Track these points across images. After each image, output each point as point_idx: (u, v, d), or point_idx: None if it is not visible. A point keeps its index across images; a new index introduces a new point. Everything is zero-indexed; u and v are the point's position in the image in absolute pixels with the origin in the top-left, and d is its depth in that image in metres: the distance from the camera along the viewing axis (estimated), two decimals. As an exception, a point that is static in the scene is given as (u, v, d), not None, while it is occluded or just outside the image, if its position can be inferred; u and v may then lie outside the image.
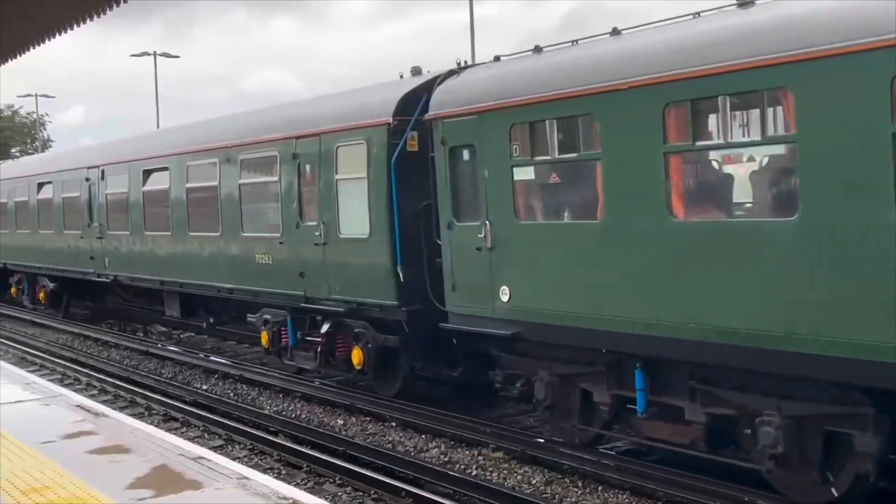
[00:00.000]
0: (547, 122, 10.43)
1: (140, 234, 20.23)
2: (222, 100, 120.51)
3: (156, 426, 12.51)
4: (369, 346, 14.13)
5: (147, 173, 19.87)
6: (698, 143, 8.98)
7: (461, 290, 11.88)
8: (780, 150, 8.60)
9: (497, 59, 12.12)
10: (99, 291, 26.38)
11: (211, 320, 20.04)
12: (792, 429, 8.50)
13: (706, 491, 9.39)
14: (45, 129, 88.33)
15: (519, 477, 10.76)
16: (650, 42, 9.43)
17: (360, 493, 10.54)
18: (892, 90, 7.15)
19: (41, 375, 17.52)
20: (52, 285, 26.93)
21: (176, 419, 14.71)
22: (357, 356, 14.25)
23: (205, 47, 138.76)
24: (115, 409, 13.52)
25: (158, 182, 19.38)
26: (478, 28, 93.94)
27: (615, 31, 10.34)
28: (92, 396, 15.53)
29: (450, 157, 11.90)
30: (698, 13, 9.56)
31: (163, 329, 24.52)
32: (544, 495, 10.10)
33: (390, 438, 12.73)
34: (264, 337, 16.62)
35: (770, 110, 8.26)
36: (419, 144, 13.03)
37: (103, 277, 22.60)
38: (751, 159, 8.80)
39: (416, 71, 14.10)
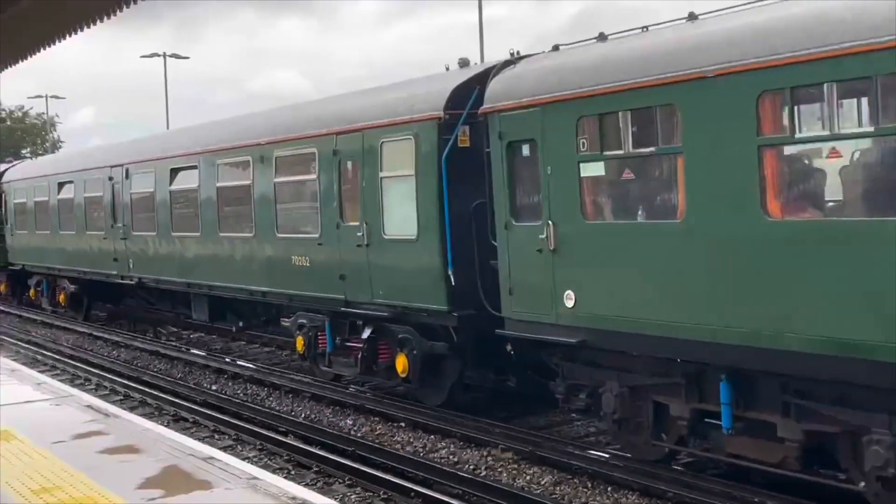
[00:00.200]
0: (620, 113, 9.66)
1: (167, 234, 19.54)
2: (229, 101, 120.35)
3: (166, 426, 12.49)
4: (415, 352, 13.39)
5: (174, 172, 19.18)
6: (799, 135, 8.21)
7: (520, 295, 11.14)
8: None
9: (556, 48, 11.38)
10: (120, 294, 25.78)
11: (240, 324, 19.33)
12: (905, 449, 7.74)
13: (715, 492, 9.34)
14: (55, 130, 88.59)
15: (528, 477, 10.70)
16: (741, 25, 8.66)
17: (370, 494, 10.48)
18: None
19: (52, 376, 17.41)
20: (72, 287, 26.29)
21: (186, 419, 14.62)
22: (401, 363, 13.52)
23: (214, 48, 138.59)
24: (125, 409, 13.48)
25: (187, 181, 18.69)
26: (487, 29, 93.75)
27: (692, 16, 9.59)
28: (102, 397, 15.49)
29: (508, 153, 11.15)
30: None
31: (173, 329, 24.01)
32: (553, 496, 10.05)
33: (399, 439, 12.66)
34: (299, 342, 15.92)
35: (885, 97, 7.47)
36: (471, 140, 12.31)
37: (127, 279, 21.93)
38: (860, 152, 8.01)
39: (464, 63, 13.38)
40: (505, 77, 11.44)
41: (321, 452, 11.87)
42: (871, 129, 7.71)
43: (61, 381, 16.40)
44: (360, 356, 14.36)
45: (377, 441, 12.51)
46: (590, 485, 10.34)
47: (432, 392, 13.59)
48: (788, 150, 8.38)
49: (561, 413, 12.51)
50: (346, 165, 14.07)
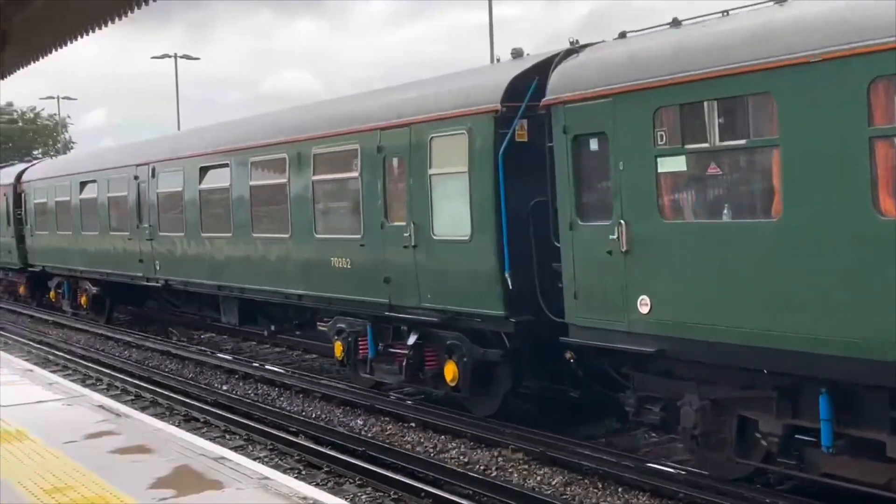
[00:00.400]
0: (705, 103, 8.90)
1: (196, 235, 18.84)
2: (240, 102, 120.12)
3: (177, 426, 12.49)
4: (465, 360, 12.66)
5: (204, 170, 18.47)
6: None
7: (586, 300, 10.38)
8: None
9: (622, 35, 10.63)
10: (142, 296, 25.13)
11: (272, 328, 18.61)
12: None
13: (727, 493, 9.28)
14: (66, 131, 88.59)
15: (539, 478, 10.67)
16: (848, 6, 7.89)
17: (380, 494, 10.47)
18: None
19: (64, 376, 17.38)
20: (94, 289, 25.64)
21: (197, 419, 14.56)
22: (451, 371, 12.79)
23: (226, 49, 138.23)
24: (136, 409, 13.47)
25: (217, 180, 17.98)
26: (499, 29, 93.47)
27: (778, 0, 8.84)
28: (114, 397, 15.46)
29: (573, 148, 10.41)
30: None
31: (202, 334, 23.42)
32: (564, 496, 10.03)
33: (410, 439, 12.63)
34: (338, 348, 15.21)
35: None
36: (528, 134, 11.56)
37: (153, 281, 21.25)
38: None
39: (518, 53, 12.62)
40: (569, 66, 10.69)
41: (332, 452, 11.84)
42: None
43: (73, 381, 16.33)
44: (404, 363, 13.64)
45: (388, 441, 12.48)
46: (600, 485, 10.29)
47: (483, 401, 12.85)
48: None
49: (625, 424, 11.82)
50: (392, 162, 13.33)
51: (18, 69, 11.10)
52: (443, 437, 12.58)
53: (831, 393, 8.25)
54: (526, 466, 11.06)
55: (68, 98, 76.99)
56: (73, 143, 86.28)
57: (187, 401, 15.59)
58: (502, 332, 12.06)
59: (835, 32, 7.79)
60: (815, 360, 8.13)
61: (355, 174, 14.05)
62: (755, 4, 9.11)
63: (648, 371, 10.15)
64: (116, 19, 8.10)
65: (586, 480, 10.48)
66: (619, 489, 10.09)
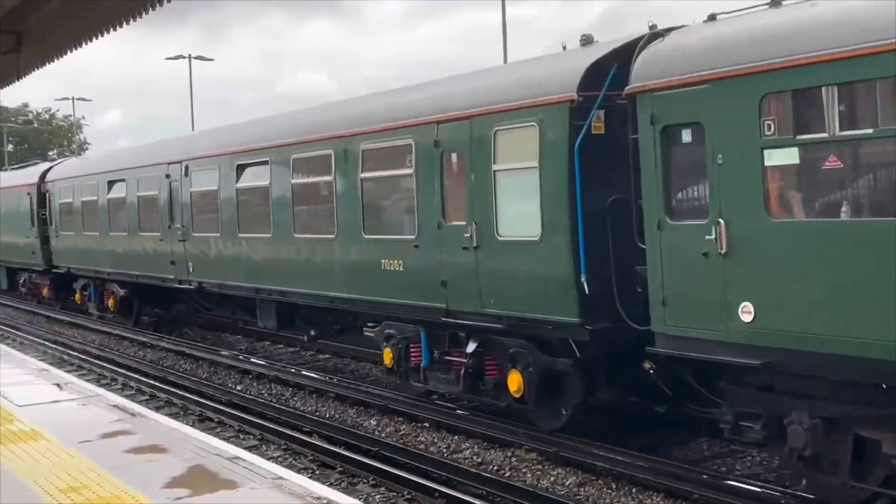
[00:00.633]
0: (823, 88, 7.99)
1: (232, 236, 18.02)
2: (256, 102, 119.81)
3: (191, 426, 12.52)
4: (531, 369, 11.79)
5: (241, 168, 17.65)
6: None
7: (677, 307, 9.48)
8: None
9: (712, 17, 9.74)
10: (171, 298, 24.36)
11: (312, 333, 17.77)
12: None
13: (740, 493, 9.25)
14: (81, 132, 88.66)
15: (552, 478, 10.65)
16: None
17: (394, 494, 10.46)
18: None
19: (78, 376, 17.36)
20: (122, 292, 24.87)
21: (211, 419, 14.55)
22: (515, 381, 11.91)
23: (241, 50, 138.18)
24: (151, 408, 13.48)
25: (256, 178, 17.15)
26: (515, 29, 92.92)
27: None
28: (128, 396, 15.46)
29: (662, 140, 9.51)
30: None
31: (236, 338, 22.65)
32: (578, 497, 10.00)
33: (423, 439, 12.61)
34: (387, 355, 14.36)
35: None
36: (605, 125, 10.68)
37: (185, 284, 20.44)
38: None
39: (587, 40, 11.71)
40: (657, 51, 9.79)
41: (345, 452, 11.83)
42: None
43: (88, 381, 16.36)
44: (463, 372, 12.79)
45: (401, 441, 12.48)
46: (614, 486, 10.26)
47: (550, 414, 11.95)
48: None
49: (714, 441, 11.21)
50: (450, 158, 12.48)
51: (34, 70, 10.92)
52: (456, 437, 12.53)
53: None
54: (539, 467, 11.01)
55: (83, 99, 77.07)
56: (88, 143, 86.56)
57: (201, 401, 15.58)
58: (571, 339, 11.21)
59: None
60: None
61: (409, 171, 13.20)
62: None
63: (746, 384, 9.26)
64: (131, 20, 7.99)
65: (600, 481, 10.42)
66: (633, 489, 10.04)
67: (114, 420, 11.12)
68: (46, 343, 23.63)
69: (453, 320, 12.70)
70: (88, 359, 20.73)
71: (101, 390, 14.06)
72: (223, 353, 20.52)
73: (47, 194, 28.69)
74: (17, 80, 11.25)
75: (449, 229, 12.50)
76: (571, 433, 11.65)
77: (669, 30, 10.19)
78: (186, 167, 19.69)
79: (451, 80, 13.32)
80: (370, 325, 15.27)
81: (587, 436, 11.47)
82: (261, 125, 18.01)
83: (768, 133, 8.47)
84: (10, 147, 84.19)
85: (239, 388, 16.95)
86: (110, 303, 25.53)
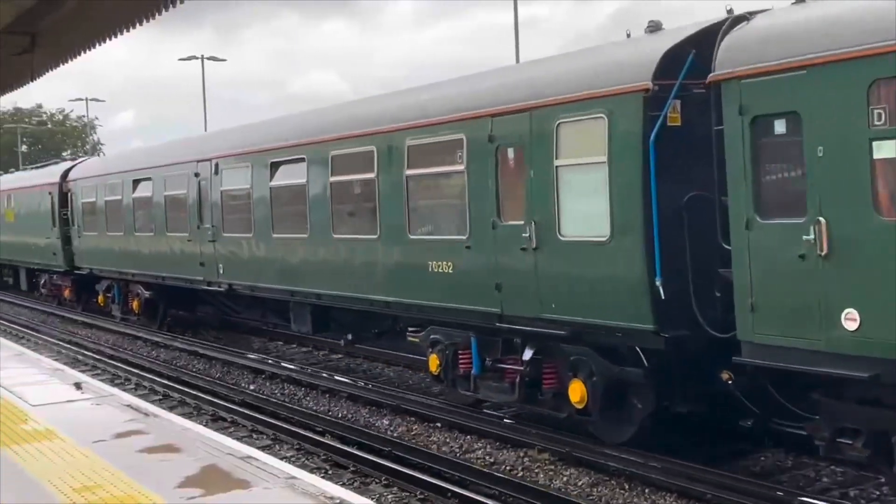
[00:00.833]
0: (949, 73, 7.23)
1: (265, 236, 17.31)
2: (269, 103, 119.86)
3: (205, 426, 12.50)
4: (595, 379, 11.03)
5: (275, 166, 16.93)
6: None
7: (768, 314, 8.71)
8: None
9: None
10: (197, 300, 23.69)
11: (349, 337, 17.04)
12: None
13: (755, 493, 9.20)
14: (94, 133, 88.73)
15: (565, 478, 10.60)
16: None
17: (406, 494, 10.43)
18: None
19: (92, 375, 17.35)
20: (147, 293, 24.20)
21: (224, 419, 14.53)
22: (578, 391, 11.15)
23: (254, 51, 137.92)
24: (164, 408, 13.49)
25: (291, 175, 16.43)
26: (527, 29, 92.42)
27: None
28: (142, 396, 15.43)
29: (752, 131, 8.75)
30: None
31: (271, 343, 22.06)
32: (590, 497, 9.98)
33: (435, 439, 12.59)
34: (433, 361, 13.63)
35: None
36: (681, 116, 9.92)
37: (214, 286, 19.75)
38: None
39: (655, 26, 10.92)
40: (744, 36, 9.01)
41: (358, 452, 11.83)
42: None
43: (101, 380, 16.32)
44: (518, 381, 12.04)
45: (413, 441, 12.47)
46: (627, 486, 10.20)
47: (616, 427, 11.19)
48: None
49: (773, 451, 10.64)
50: (506, 153, 11.73)
51: (48, 71, 10.79)
52: (468, 437, 12.50)
53: None
54: (552, 467, 10.98)
55: (96, 100, 77.18)
56: (102, 144, 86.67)
57: (215, 400, 15.59)
58: (643, 347, 10.45)
59: None
60: None
61: (460, 167, 12.46)
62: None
63: (845, 398, 8.49)
64: (145, 21, 7.91)
65: (613, 481, 10.37)
66: (646, 490, 9.99)
67: (127, 420, 11.11)
68: (61, 343, 23.52)
69: (508, 326, 11.96)
70: (102, 359, 20.71)
71: (115, 390, 14.08)
72: (250, 356, 19.95)
73: (69, 194, 28.07)
74: (32, 80, 11.16)
75: (504, 229, 11.76)
76: (636, 446, 10.92)
77: (757, 12, 9.41)
78: (216, 165, 18.99)
79: (506, 70, 12.58)
80: (412, 329, 14.56)
81: (649, 448, 10.72)
82: (297, 121, 17.29)
83: (878, 123, 7.71)
84: (23, 148, 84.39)
85: (252, 387, 16.94)
86: (134, 305, 24.88)
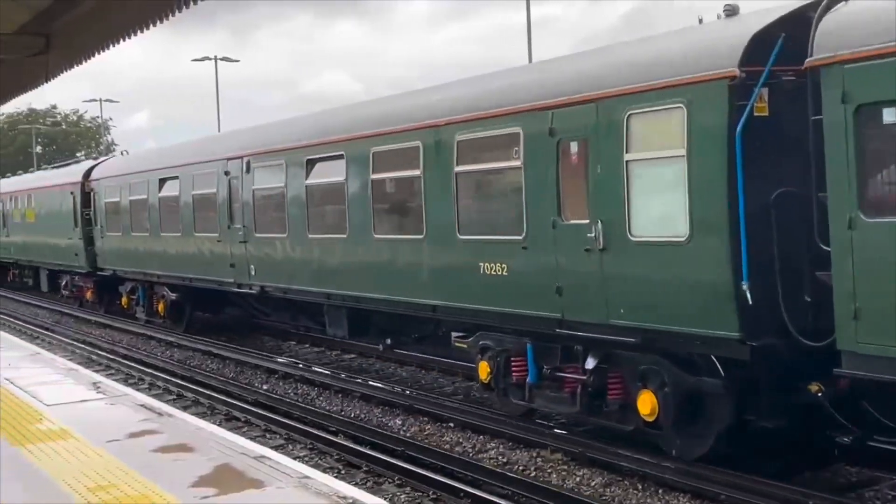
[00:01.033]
0: None
1: (300, 237, 16.59)
2: (282, 103, 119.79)
3: (218, 425, 12.47)
4: (667, 389, 10.26)
5: (311, 163, 16.21)
6: None
7: (875, 322, 7.93)
8: None
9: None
10: (223, 303, 23.00)
11: (388, 342, 16.31)
12: None
13: (768, 494, 9.17)
14: (108, 133, 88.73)
15: (578, 479, 10.58)
16: None
17: (419, 494, 10.43)
18: None
19: (107, 375, 17.32)
20: (173, 295, 23.52)
21: (238, 419, 14.56)
22: (648, 403, 10.39)
23: (268, 52, 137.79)
24: (178, 408, 13.46)
25: (329, 173, 15.71)
26: (540, 28, 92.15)
27: None
28: (156, 396, 15.44)
29: (856, 121, 7.96)
30: None
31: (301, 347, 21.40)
32: (603, 497, 9.97)
33: (448, 439, 12.58)
34: (483, 369, 12.89)
35: None
36: (768, 106, 9.12)
37: (245, 288, 19.04)
38: None
39: (732, 10, 10.10)
40: (847, 16, 8.22)
41: (371, 452, 11.84)
42: None
43: (116, 380, 16.35)
44: (579, 391, 11.28)
45: (426, 441, 12.47)
46: (640, 487, 10.16)
47: (689, 442, 10.40)
48: None
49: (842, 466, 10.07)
50: (569, 148, 10.96)
51: (62, 72, 10.68)
52: (481, 437, 12.49)
53: None
54: (565, 467, 10.98)
55: (110, 101, 77.41)
56: (116, 145, 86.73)
57: (228, 400, 15.62)
58: (719, 356, 9.68)
59: None
60: None
61: (516, 163, 11.70)
62: None
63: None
64: (159, 22, 7.88)
65: (626, 481, 10.35)
66: (660, 490, 9.96)
67: (141, 419, 11.14)
68: (75, 343, 23.46)
69: (570, 332, 11.20)
70: (116, 358, 20.73)
71: (129, 390, 14.11)
72: (280, 360, 19.32)
73: (92, 193, 27.44)
74: (46, 81, 11.07)
75: (566, 229, 10.99)
76: (710, 461, 10.14)
77: (848, -7, 8.62)
78: (248, 163, 18.27)
79: (569, 59, 11.77)
80: (458, 335, 13.83)
81: (724, 463, 10.01)
82: (334, 116, 16.55)
83: None
84: (38, 149, 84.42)
85: (265, 387, 16.94)
86: (160, 307, 24.21)
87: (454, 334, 14.05)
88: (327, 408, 14.85)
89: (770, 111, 9.06)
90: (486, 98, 12.36)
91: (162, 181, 22.36)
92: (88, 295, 29.90)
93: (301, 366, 18.44)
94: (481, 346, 12.99)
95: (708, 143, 9.23)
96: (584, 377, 11.16)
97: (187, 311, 23.68)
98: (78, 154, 75.68)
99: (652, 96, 9.80)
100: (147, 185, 23.11)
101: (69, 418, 11.21)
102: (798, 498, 9.04)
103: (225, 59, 58.26)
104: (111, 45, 9.03)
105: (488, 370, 12.82)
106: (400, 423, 13.54)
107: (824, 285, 8.48)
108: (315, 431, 13.09)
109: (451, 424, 13.11)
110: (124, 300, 26.74)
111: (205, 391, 16.43)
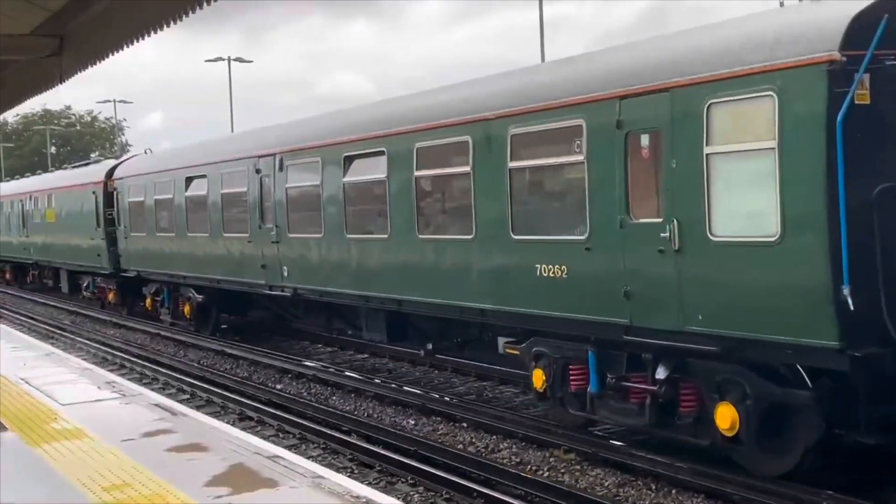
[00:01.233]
0: None
1: (338, 237, 15.84)
2: (297, 104, 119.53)
3: (231, 425, 12.55)
4: (749, 402, 9.48)
5: (349, 160, 15.48)
6: None
7: None
8: None
9: None
10: (248, 304, 22.32)
11: (429, 347, 15.58)
12: None
13: (781, 494, 9.11)
14: (122, 134, 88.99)
15: (591, 479, 10.56)
16: None
17: (432, 493, 10.44)
18: None
19: (121, 375, 17.38)
20: (199, 298, 22.82)
21: (251, 418, 14.60)
22: (727, 416, 9.61)
23: (282, 52, 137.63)
24: (192, 407, 13.49)
25: (369, 170, 14.98)
26: (554, 27, 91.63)
27: None
28: (170, 395, 15.49)
29: None
30: None
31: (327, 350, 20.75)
32: (617, 498, 9.95)
33: (461, 439, 12.56)
34: (538, 377, 12.16)
35: None
36: (870, 93, 8.34)
37: (277, 290, 18.32)
38: None
39: (813, -10, 9.34)
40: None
41: (384, 452, 11.85)
42: None
43: (130, 379, 16.37)
44: (648, 402, 10.52)
45: (439, 441, 12.43)
46: (654, 487, 10.13)
47: (772, 458, 9.61)
48: None
49: None
50: (639, 141, 10.19)
51: (76, 73, 10.66)
52: (494, 437, 12.48)
53: None
54: (578, 467, 10.97)
55: (124, 101, 77.88)
56: (130, 145, 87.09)
57: (242, 400, 15.60)
58: (806, 366, 8.90)
59: None
60: None
61: (578, 157, 10.93)
62: None
63: None
64: (173, 23, 7.87)
65: (640, 482, 10.31)
66: (674, 490, 9.94)
67: (155, 419, 11.19)
68: (89, 343, 23.49)
69: (638, 339, 10.42)
70: (130, 358, 20.75)
71: (144, 389, 14.15)
72: (307, 363, 18.65)
73: (115, 192, 26.78)
74: (60, 83, 11.07)
75: (636, 228, 10.22)
76: (796, 479, 9.37)
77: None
78: (281, 160, 17.55)
79: (638, 45, 10.96)
80: (509, 340, 13.08)
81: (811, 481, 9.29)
82: (375, 110, 15.79)
83: None
84: (52, 149, 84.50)
85: (279, 387, 16.92)
86: (186, 309, 23.54)
87: (502, 339, 13.33)
88: (341, 407, 14.79)
89: (872, 99, 8.29)
90: (544, 89, 11.60)
91: (189, 180, 21.68)
92: (111, 297, 29.26)
93: (333, 370, 17.77)
94: (535, 353, 12.24)
95: (803, 134, 8.43)
96: (654, 388, 10.40)
97: (213, 314, 23.00)
98: (92, 155, 75.83)
99: (736, 84, 9.01)
100: (173, 183, 22.44)
101: (84, 417, 11.26)
102: (811, 498, 8.94)
103: (238, 59, 58.93)
104: (125, 46, 9.05)
105: (544, 378, 12.08)
106: (413, 422, 13.55)
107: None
108: (328, 431, 13.08)
109: (465, 424, 13.12)
110: (148, 302, 26.08)
111: (218, 390, 16.40)
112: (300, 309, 20.01)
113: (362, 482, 9.68)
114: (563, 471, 10.87)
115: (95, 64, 9.96)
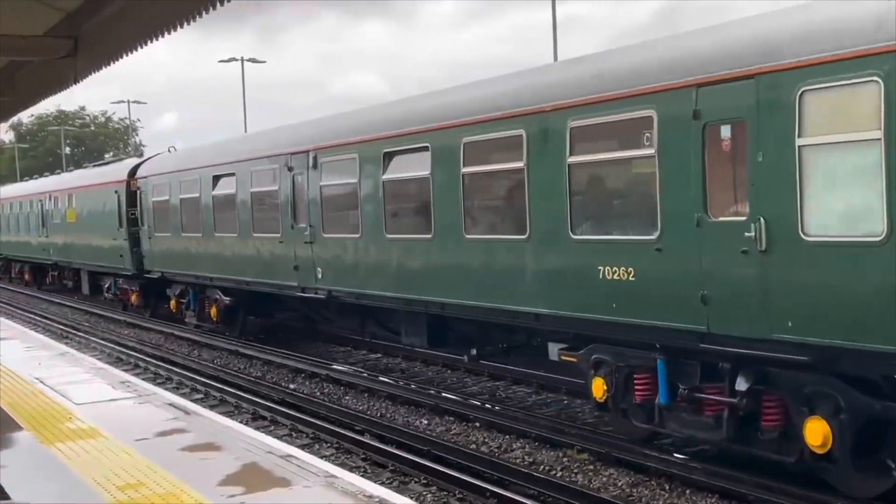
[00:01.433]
0: None
1: (377, 237, 15.10)
2: (311, 104, 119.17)
3: (245, 424, 12.60)
4: (842, 416, 8.68)
5: (389, 156, 14.74)
6: None
7: None
8: None
9: None
10: (274, 307, 21.61)
11: (473, 352, 14.80)
12: None
13: (797, 496, 9.05)
14: (136, 135, 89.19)
15: (604, 479, 10.56)
16: None
17: (445, 493, 10.45)
18: None
19: (135, 374, 17.44)
20: (226, 300, 22.13)
21: (264, 418, 14.63)
22: (820, 432, 8.82)
23: (296, 53, 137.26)
24: (205, 407, 13.47)
25: (410, 167, 14.23)
26: (568, 27, 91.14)
27: None
28: (183, 395, 15.48)
29: None
30: None
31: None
32: (630, 498, 9.92)
33: (474, 438, 12.58)
34: (598, 386, 11.39)
35: None
36: None
37: (311, 292, 17.59)
38: None
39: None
40: None
41: (397, 451, 11.86)
42: None
43: (144, 379, 16.41)
44: (726, 415, 9.74)
45: (452, 441, 12.45)
46: (667, 487, 10.12)
47: (867, 478, 8.81)
48: None
49: None
50: (719, 132, 9.41)
51: (90, 74, 10.41)
52: (507, 436, 12.50)
53: None
54: (591, 467, 10.98)
55: (138, 102, 77.87)
56: (144, 146, 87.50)
57: (255, 399, 15.62)
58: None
59: None
60: None
61: (648, 151, 10.14)
62: None
63: None
64: (187, 23, 7.77)
65: (653, 482, 10.30)
66: (687, 491, 9.91)
67: (169, 418, 11.23)
68: (104, 342, 23.49)
69: (716, 347, 9.63)
70: (144, 358, 20.76)
71: (158, 389, 14.17)
72: (336, 366, 18.01)
73: (138, 192, 26.13)
74: (75, 83, 10.97)
75: (715, 227, 9.43)
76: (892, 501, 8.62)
77: None
78: (315, 157, 16.82)
79: (719, 28, 10.12)
80: (564, 347, 12.31)
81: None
82: (416, 103, 15.00)
83: None
84: (66, 150, 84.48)
85: (292, 386, 16.91)
86: (212, 312, 22.84)
87: (554, 346, 12.57)
88: (354, 407, 14.76)
89: None
90: (609, 78, 10.80)
91: (216, 178, 20.99)
92: (133, 298, 28.61)
93: (366, 375, 17.12)
94: (595, 361, 11.48)
95: (915, 123, 7.64)
96: (734, 399, 9.61)
97: (241, 316, 22.30)
98: (106, 155, 75.79)
99: (834, 69, 8.20)
100: (199, 182, 21.75)
101: (98, 417, 11.30)
102: (827, 499, 8.89)
103: (252, 60, 58.82)
104: (139, 47, 8.84)
105: (605, 388, 11.31)
106: (426, 422, 13.57)
107: None
108: (341, 431, 13.08)
109: (478, 424, 13.16)
110: (173, 304, 25.43)
111: (231, 390, 16.38)
112: (333, 311, 19.27)
113: (375, 482, 9.68)
114: (576, 471, 10.88)
115: (110, 65, 9.90)
